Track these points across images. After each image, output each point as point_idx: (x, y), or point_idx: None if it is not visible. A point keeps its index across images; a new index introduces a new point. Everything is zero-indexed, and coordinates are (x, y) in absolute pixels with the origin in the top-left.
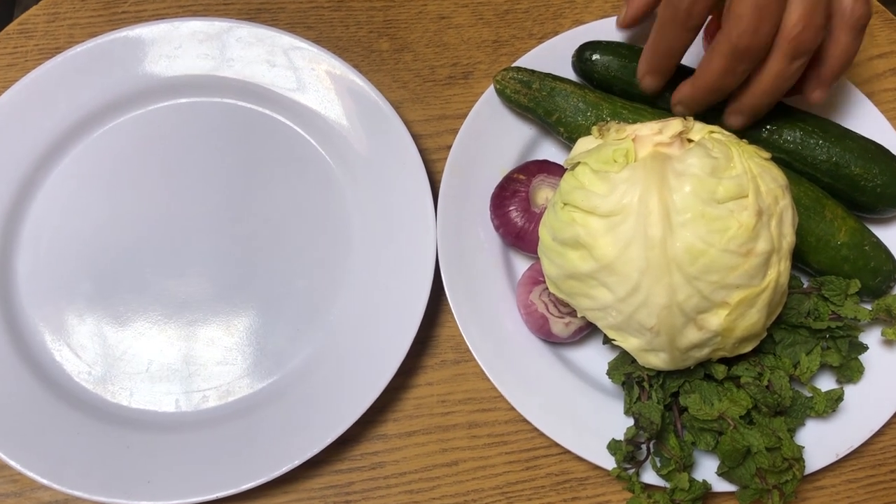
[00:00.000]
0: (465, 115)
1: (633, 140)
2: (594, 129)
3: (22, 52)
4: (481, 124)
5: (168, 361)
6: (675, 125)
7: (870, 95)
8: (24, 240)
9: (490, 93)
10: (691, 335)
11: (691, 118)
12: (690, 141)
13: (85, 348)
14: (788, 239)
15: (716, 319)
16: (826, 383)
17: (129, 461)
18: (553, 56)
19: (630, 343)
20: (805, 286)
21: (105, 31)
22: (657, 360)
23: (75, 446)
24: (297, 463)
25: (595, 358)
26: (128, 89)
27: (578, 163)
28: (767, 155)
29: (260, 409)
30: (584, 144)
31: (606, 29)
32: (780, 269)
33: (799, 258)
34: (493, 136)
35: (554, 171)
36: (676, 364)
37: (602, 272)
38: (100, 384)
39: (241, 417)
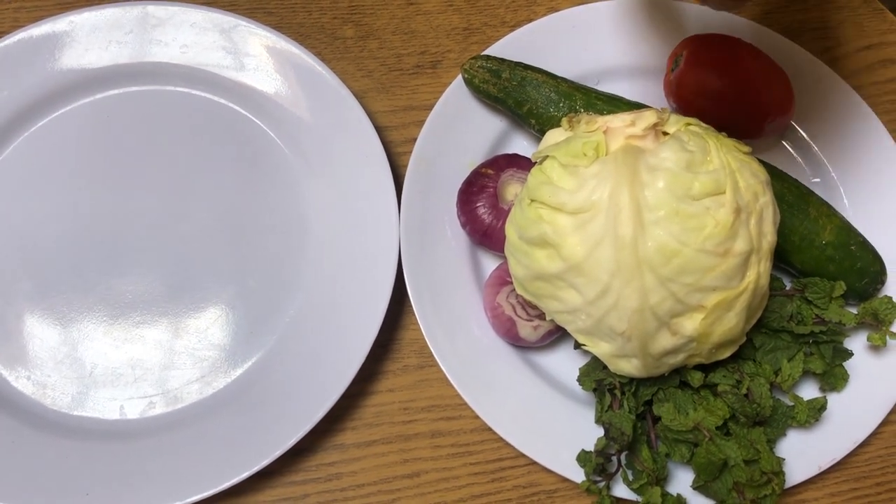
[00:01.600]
0: (430, 107)
1: (605, 132)
2: (564, 120)
3: None
4: (449, 116)
5: (113, 365)
6: (648, 116)
7: (858, 88)
8: None
9: (458, 83)
10: (665, 340)
11: (667, 109)
12: (665, 134)
13: (24, 351)
14: (769, 238)
15: (691, 324)
16: (809, 391)
17: (67, 472)
18: (525, 45)
19: (601, 348)
20: (787, 288)
21: (52, 15)
22: (629, 367)
23: (10, 456)
24: (247, 474)
25: (565, 363)
26: (73, 77)
27: (546, 156)
28: (747, 149)
29: (209, 417)
30: (553, 137)
31: (582, 16)
32: (759, 271)
33: (781, 258)
34: (462, 129)
35: (524, 165)
36: (649, 371)
37: (570, 273)
38: (39, 389)
39: (189, 425)
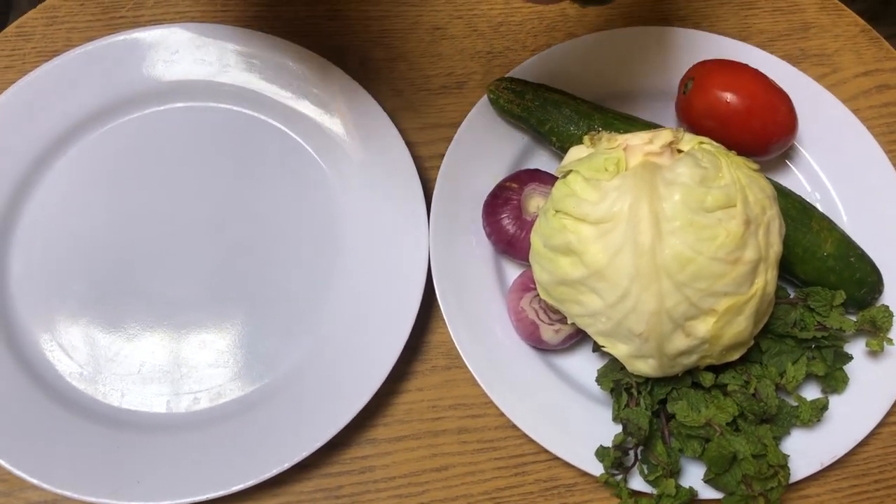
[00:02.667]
0: (458, 124)
1: (624, 149)
2: (586, 138)
3: (20, 54)
4: (474, 133)
5: (159, 363)
6: (665, 135)
7: (856, 112)
8: (18, 240)
9: (483, 102)
10: (679, 342)
11: (681, 129)
12: (680, 151)
13: (77, 349)
14: (775, 248)
15: (703, 326)
16: (811, 393)
17: (118, 461)
18: (546, 68)
19: (619, 349)
20: (791, 297)
21: (102, 34)
22: (646, 367)
23: (65, 446)
24: (287, 466)
25: (584, 365)
26: (124, 93)
27: (570, 171)
28: (755, 166)
29: (251, 412)
30: (575, 153)
31: (599, 42)
32: (767, 278)
33: (785, 269)
34: (486, 145)
35: (545, 179)
36: (664, 371)
37: (592, 278)
38: (91, 384)
39: (232, 419)
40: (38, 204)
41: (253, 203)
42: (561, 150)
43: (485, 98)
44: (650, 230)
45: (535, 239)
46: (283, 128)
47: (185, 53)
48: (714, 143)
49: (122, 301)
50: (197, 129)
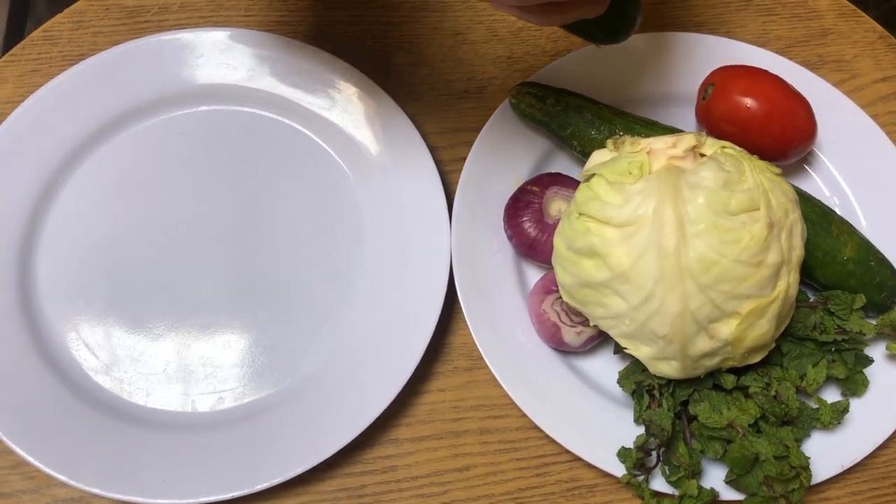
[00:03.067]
0: (479, 129)
1: (648, 153)
2: (609, 142)
3: (46, 58)
4: (495, 137)
5: (184, 363)
6: (688, 139)
7: (874, 117)
8: (44, 241)
9: (504, 107)
10: (703, 344)
11: (703, 133)
12: (702, 155)
13: (102, 348)
14: (798, 251)
15: (727, 328)
16: (830, 396)
17: (145, 460)
18: (566, 73)
19: (642, 351)
20: (811, 300)
21: (127, 39)
22: (668, 369)
23: (92, 444)
24: (310, 465)
25: (605, 367)
26: (149, 96)
27: (594, 174)
28: (778, 170)
29: (274, 412)
30: (599, 157)
31: (619, 47)
32: (789, 281)
33: (805, 273)
34: (507, 149)
35: (567, 183)
36: (687, 372)
37: (616, 281)
38: (117, 384)
39: (256, 419)
40: (64, 206)
41: (276, 206)
42: (582, 155)
43: (506, 102)
44: (675, 233)
45: (559, 241)
46: (305, 131)
47: (210, 57)
48: (736, 147)
49: (146, 302)
50: (220, 132)
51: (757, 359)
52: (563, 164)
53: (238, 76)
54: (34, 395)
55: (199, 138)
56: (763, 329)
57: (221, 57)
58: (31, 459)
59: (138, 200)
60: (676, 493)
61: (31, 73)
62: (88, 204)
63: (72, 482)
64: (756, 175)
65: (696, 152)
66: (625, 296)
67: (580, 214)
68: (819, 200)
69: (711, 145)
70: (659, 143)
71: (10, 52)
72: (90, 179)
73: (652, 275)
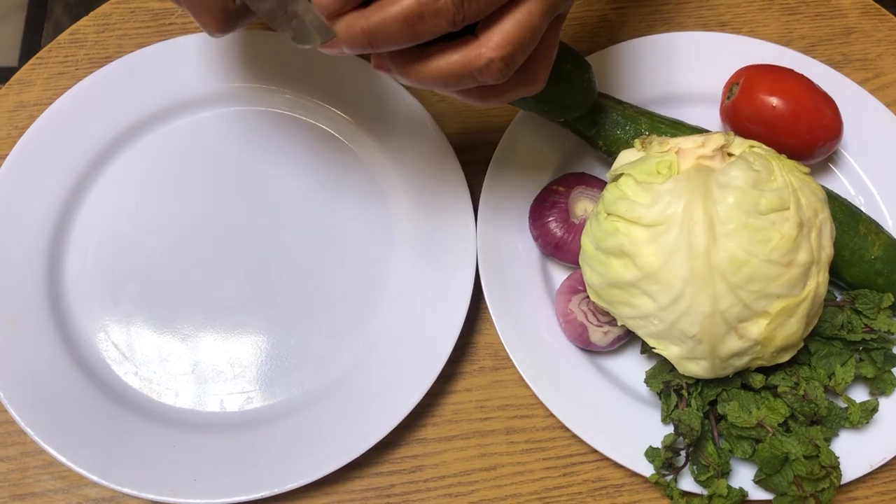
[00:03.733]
0: (503, 129)
1: (676, 153)
2: (637, 142)
3: (72, 60)
4: (519, 137)
5: (212, 363)
6: (716, 139)
7: None
8: (73, 243)
9: None
10: (732, 344)
11: (731, 133)
12: (731, 155)
13: (132, 349)
14: (827, 251)
15: (756, 328)
16: (858, 395)
17: (175, 459)
18: None
19: (671, 351)
20: (838, 299)
21: (153, 41)
22: (697, 369)
23: (123, 444)
24: (338, 465)
25: (631, 367)
26: (175, 98)
27: (622, 174)
28: (806, 169)
29: (303, 412)
30: (626, 157)
31: (642, 47)
32: (818, 280)
33: (833, 272)
34: (532, 149)
35: (592, 183)
36: (716, 372)
37: (645, 281)
38: (146, 384)
39: (284, 419)
40: (92, 208)
41: (303, 207)
42: (607, 154)
43: None
44: (705, 233)
45: (586, 241)
46: (332, 132)
47: (235, 59)
48: (764, 146)
49: (174, 302)
50: (247, 133)
51: (786, 358)
52: (587, 164)
53: (263, 77)
54: (65, 395)
55: (226, 139)
56: (793, 328)
57: (247, 58)
58: (62, 459)
59: (166, 201)
60: (706, 492)
61: (58, 75)
62: (116, 205)
63: (103, 482)
64: (785, 174)
65: (724, 152)
66: (654, 296)
67: (608, 214)
68: (846, 199)
69: (740, 145)
70: (687, 142)
71: (37, 55)
72: (118, 181)
73: (681, 275)
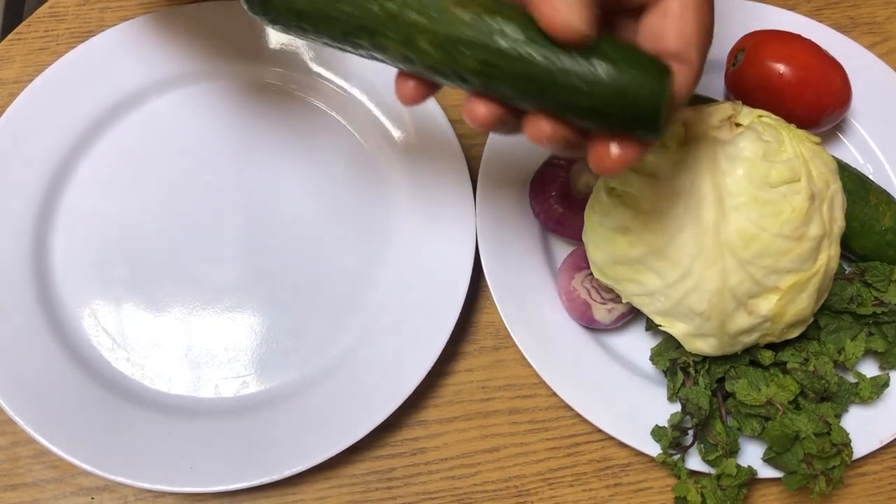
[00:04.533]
0: None
1: (682, 124)
2: None
3: (53, 35)
4: None
5: (206, 347)
6: (724, 109)
7: None
8: (59, 225)
9: None
10: (742, 320)
11: (739, 103)
12: (739, 125)
13: (123, 334)
14: (839, 223)
15: (766, 304)
16: (868, 370)
17: (170, 447)
18: None
19: (677, 328)
20: (847, 272)
21: (136, 14)
22: (705, 346)
23: (116, 432)
24: (339, 449)
25: (636, 344)
26: (162, 73)
27: None
28: (817, 139)
29: (300, 396)
30: None
31: None
32: (830, 254)
33: (842, 244)
34: None
35: None
36: (724, 349)
37: (651, 257)
38: (138, 370)
39: (282, 403)
40: (78, 187)
41: (297, 185)
42: None
43: None
44: (713, 206)
45: (590, 217)
46: (326, 109)
47: (222, 33)
48: (773, 116)
49: (166, 285)
50: (239, 109)
51: (796, 334)
52: None
53: (254, 52)
54: (56, 383)
55: (215, 116)
56: (803, 304)
57: (234, 32)
58: (54, 449)
59: (155, 182)
60: (714, 472)
61: (39, 51)
62: (103, 186)
63: (97, 471)
64: (795, 145)
65: (732, 122)
66: (660, 272)
67: (612, 189)
68: (856, 169)
69: (748, 114)
70: (694, 113)
71: (16, 30)
72: (103, 161)
73: (689, 250)
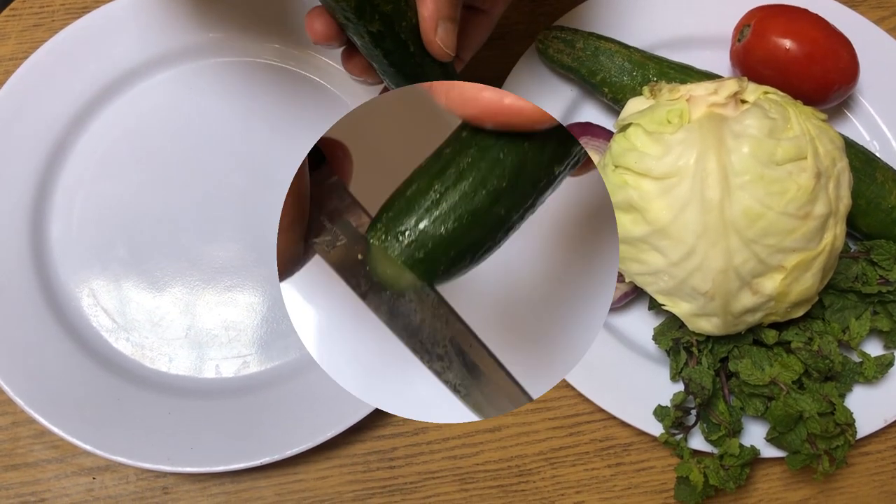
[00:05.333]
0: (501, 77)
1: (688, 100)
2: (645, 89)
3: (48, 11)
4: (520, 86)
5: (207, 327)
6: (730, 85)
7: None
8: (56, 204)
9: (530, 53)
10: (746, 300)
11: (745, 79)
12: (745, 102)
13: (122, 314)
14: (845, 202)
15: (771, 283)
16: (872, 349)
17: (171, 427)
18: (595, 15)
19: (681, 308)
20: (853, 250)
21: None
22: (708, 325)
23: (116, 412)
24: (340, 429)
25: (639, 323)
26: (159, 49)
27: (630, 124)
28: (823, 116)
29: (301, 375)
30: (634, 105)
31: None
32: (836, 233)
33: (848, 222)
34: (533, 98)
35: (598, 133)
36: (728, 329)
37: (655, 236)
38: (138, 350)
39: (283, 383)
40: (75, 166)
41: (295, 161)
42: (613, 103)
43: (531, 49)
44: (718, 185)
45: None
46: (323, 83)
47: (217, 8)
48: (779, 92)
49: (165, 265)
50: (235, 85)
51: (800, 313)
52: (591, 114)
53: (251, 27)
54: (55, 363)
55: (214, 92)
56: (808, 283)
57: (230, 7)
58: (54, 429)
59: (152, 160)
60: (717, 451)
61: (34, 27)
62: (99, 164)
63: (97, 451)
64: (802, 122)
65: (737, 98)
66: (664, 251)
67: (616, 167)
68: (863, 146)
69: (754, 91)
70: (699, 89)
71: (10, 5)
72: (100, 139)
73: (694, 229)
